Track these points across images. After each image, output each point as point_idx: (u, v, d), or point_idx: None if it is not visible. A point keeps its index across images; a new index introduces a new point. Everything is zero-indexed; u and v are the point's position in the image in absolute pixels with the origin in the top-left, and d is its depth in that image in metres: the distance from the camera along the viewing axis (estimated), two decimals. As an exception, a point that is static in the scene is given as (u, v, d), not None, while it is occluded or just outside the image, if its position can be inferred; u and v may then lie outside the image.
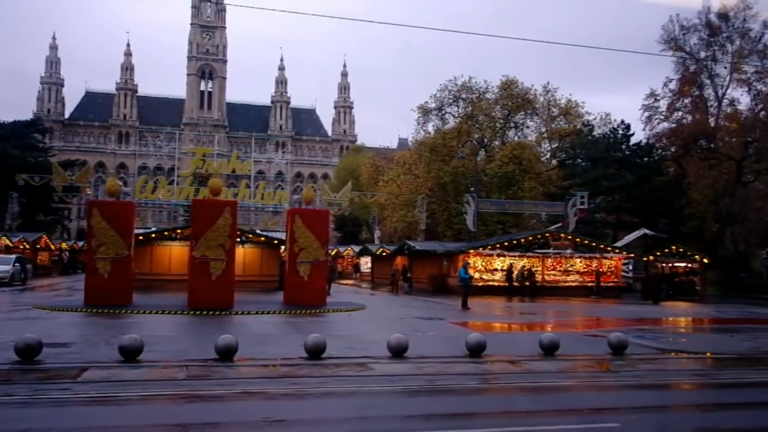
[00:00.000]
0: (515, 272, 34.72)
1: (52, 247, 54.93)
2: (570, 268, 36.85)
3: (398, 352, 12.36)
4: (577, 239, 37.77)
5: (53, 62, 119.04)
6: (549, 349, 12.98)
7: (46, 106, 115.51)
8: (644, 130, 50.47)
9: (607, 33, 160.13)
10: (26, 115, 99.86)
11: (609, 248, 38.60)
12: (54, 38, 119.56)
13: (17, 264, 36.72)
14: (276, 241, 35.84)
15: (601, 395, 10.14)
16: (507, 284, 34.43)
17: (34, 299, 25.86)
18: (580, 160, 54.11)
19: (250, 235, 37.58)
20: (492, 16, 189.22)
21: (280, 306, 23.66)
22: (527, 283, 34.09)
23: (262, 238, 37.37)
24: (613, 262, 37.76)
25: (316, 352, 11.96)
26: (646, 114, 49.66)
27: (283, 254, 30.52)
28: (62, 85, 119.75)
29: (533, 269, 35.35)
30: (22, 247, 44.05)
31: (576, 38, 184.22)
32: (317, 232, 24.51)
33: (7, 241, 41.92)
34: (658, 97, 48.93)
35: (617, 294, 36.00)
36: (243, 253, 33.84)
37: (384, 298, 33.76)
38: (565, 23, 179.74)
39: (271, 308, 22.55)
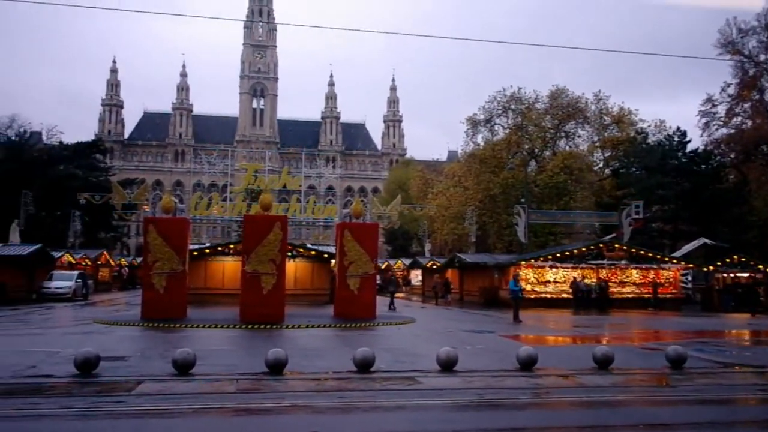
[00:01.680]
0: (588, 284, 34.03)
1: (112, 263, 56.79)
2: (626, 280, 35.89)
3: (447, 365, 12.23)
4: (633, 250, 36.80)
5: (113, 85, 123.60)
6: (603, 363, 12.64)
7: (106, 127, 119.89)
8: (701, 136, 49.06)
9: (651, 40, 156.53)
10: (88, 135, 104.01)
11: (666, 259, 37.47)
12: (114, 62, 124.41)
13: (79, 280, 38.08)
14: (326, 255, 36.11)
15: (658, 410, 9.78)
16: (573, 297, 33.72)
17: (95, 314, 26.73)
18: (634, 169, 52.84)
19: (301, 249, 37.97)
20: (538, 26, 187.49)
21: (329, 319, 23.77)
22: (602, 296, 33.40)
23: (313, 252, 37.71)
24: (671, 272, 36.59)
25: (364, 366, 11.95)
26: (704, 120, 48.26)
27: (334, 268, 30.73)
28: (122, 107, 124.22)
29: (608, 282, 34.64)
30: (84, 263, 45.66)
31: (624, 46, 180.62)
32: (367, 246, 24.60)
33: (71, 258, 43.51)
34: (715, 103, 47.50)
35: (676, 306, 34.85)
36: (294, 267, 34.25)
37: (434, 311, 33.56)
38: (614, 31, 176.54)
39: (320, 322, 22.68)
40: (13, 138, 59.29)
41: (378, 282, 35.02)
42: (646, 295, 34.87)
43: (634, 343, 19.47)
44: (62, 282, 36.77)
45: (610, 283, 35.33)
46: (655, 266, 36.32)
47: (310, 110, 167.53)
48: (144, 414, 8.88)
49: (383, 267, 56.20)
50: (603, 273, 35.76)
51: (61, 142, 64.23)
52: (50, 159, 59.44)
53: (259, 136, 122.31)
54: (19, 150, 55.87)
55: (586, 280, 34.39)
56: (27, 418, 8.48)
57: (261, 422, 8.67)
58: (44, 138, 67.82)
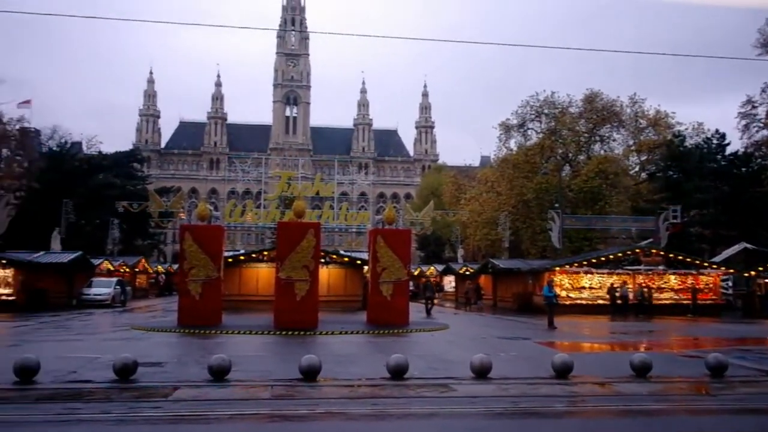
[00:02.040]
0: (629, 291, 33.52)
1: (149, 270, 57.84)
2: (663, 285, 35.19)
3: (481, 372, 12.15)
4: (671, 255, 36.09)
5: (150, 95, 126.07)
6: (641, 370, 12.40)
7: (144, 137, 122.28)
8: (741, 138, 47.80)
9: (689, 42, 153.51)
10: (126, 145, 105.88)
11: (706, 264, 36.65)
12: (151, 73, 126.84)
13: (118, 287, 38.87)
14: (359, 262, 36.20)
15: (698, 420, 9.57)
16: (611, 303, 33.24)
17: (132, 320, 27.23)
18: (671, 173, 51.89)
19: (334, 256, 38.14)
20: (573, 30, 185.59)
21: (363, 326, 23.81)
22: (646, 303, 32.85)
23: (346, 259, 37.84)
24: (710, 278, 35.77)
25: (398, 373, 11.93)
26: (743, 122, 47.04)
27: (366, 274, 30.80)
28: (158, 117, 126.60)
29: (650, 288, 34.09)
30: (122, 270, 46.63)
31: (661, 48, 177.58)
32: (399, 252, 24.60)
33: (109, 265, 44.46)
34: (755, 104, 46.29)
35: (716, 312, 34.03)
36: (327, 273, 34.40)
37: (467, 317, 33.37)
38: (650, 33, 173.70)
39: (354, 328, 22.73)
40: (55, 148, 60.92)
41: (411, 288, 35.04)
42: (685, 302, 34.13)
43: (672, 350, 19.07)
44: (101, 289, 37.57)
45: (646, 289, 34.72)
46: (693, 272, 35.55)
47: (343, 117, 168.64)
48: (181, 420, 9.01)
49: (416, 273, 56.15)
50: (640, 279, 35.13)
51: (100, 152, 65.78)
52: (90, 168, 60.93)
53: (292, 144, 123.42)
54: (61, 160, 57.39)
55: (627, 287, 33.80)
56: (68, 423, 8.68)
57: (295, 429, 8.73)
58: (84, 148, 69.50)
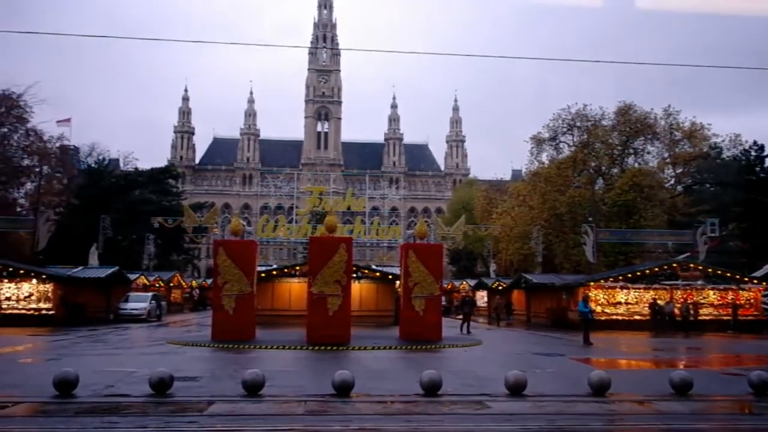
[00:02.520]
0: (673, 306, 32.84)
1: (184, 284, 58.59)
2: (702, 301, 34.38)
3: (516, 389, 11.98)
4: (709, 269, 35.28)
5: (185, 112, 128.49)
6: (681, 389, 12.08)
7: (178, 153, 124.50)
8: (781, 150, 46.76)
9: (724, 52, 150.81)
10: (161, 161, 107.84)
11: (746, 278, 35.72)
12: (186, 90, 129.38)
13: (153, 301, 39.44)
14: (391, 276, 36.14)
15: (742, 441, 9.29)
16: (652, 318, 32.59)
17: (167, 334, 27.57)
18: (708, 185, 50.86)
19: (366, 271, 38.16)
20: (606, 42, 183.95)
21: (395, 341, 23.70)
22: (691, 318, 32.14)
23: (378, 274, 37.83)
24: (751, 293, 34.84)
25: (431, 389, 11.83)
26: (783, 133, 46.03)
27: (398, 289, 30.70)
28: (193, 133, 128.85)
29: (696, 303, 33.38)
30: (157, 285, 47.31)
31: (696, 59, 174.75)
32: (431, 267, 24.49)
33: (145, 280, 45.17)
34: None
35: (758, 328, 33.10)
36: (359, 288, 34.41)
37: (500, 332, 33.03)
38: (684, 45, 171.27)
39: (386, 343, 22.65)
40: (93, 165, 62.39)
41: (444, 303, 34.73)
42: (725, 317, 33.30)
43: (713, 367, 18.58)
44: (137, 303, 38.17)
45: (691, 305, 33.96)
46: (734, 286, 34.68)
47: (373, 132, 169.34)
48: (216, 434, 9.06)
49: (448, 288, 55.80)
50: (678, 294, 34.40)
51: (136, 168, 67.13)
52: (127, 184, 62.18)
53: (323, 159, 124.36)
54: (99, 176, 58.74)
55: (674, 303, 33.03)
56: (106, 437, 8.79)
57: (329, 445, 8.69)
58: (121, 164, 71.02)
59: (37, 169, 48.07)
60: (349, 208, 34.24)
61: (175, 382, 11.93)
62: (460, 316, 33.88)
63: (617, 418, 10.67)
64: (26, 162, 49.71)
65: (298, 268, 37.28)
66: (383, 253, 77.47)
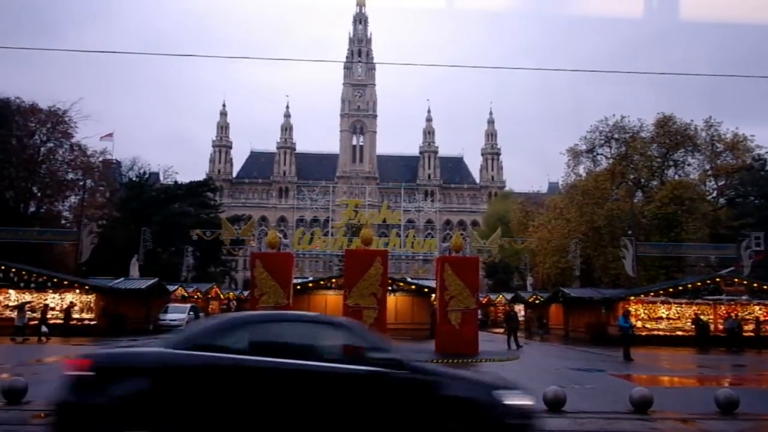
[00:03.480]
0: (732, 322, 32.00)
1: (221, 296, 59.29)
2: (747, 317, 33.43)
3: (555, 405, 11.79)
4: (754, 284, 34.30)
5: (222, 127, 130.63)
6: (726, 407, 11.73)
7: (216, 167, 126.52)
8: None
9: (760, 62, 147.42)
10: (199, 175, 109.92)
11: (793, 294, 34.62)
12: (224, 105, 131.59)
13: (191, 312, 40.00)
14: (426, 289, 36.05)
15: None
16: (696, 334, 31.80)
17: (206, 345, 27.80)
18: (752, 198, 49.59)
19: (401, 284, 38.12)
20: (643, 53, 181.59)
21: (431, 355, 23.53)
22: (736, 335, 31.20)
23: (413, 286, 37.75)
24: (798, 309, 33.76)
25: (468, 404, 11.71)
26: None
27: (434, 302, 30.59)
28: (230, 147, 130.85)
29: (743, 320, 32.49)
30: (196, 296, 47.99)
31: (736, 69, 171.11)
32: (467, 280, 24.37)
33: (183, 292, 45.88)
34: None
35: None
36: (395, 301, 34.39)
37: (538, 347, 32.58)
38: (722, 56, 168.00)
39: (423, 357, 22.31)
40: (134, 179, 63.90)
41: (480, 317, 34.41)
42: (770, 334, 32.29)
43: (761, 385, 18.03)
44: (177, 314, 38.74)
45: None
46: (780, 302, 33.65)
47: (408, 145, 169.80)
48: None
49: (484, 301, 55.38)
50: (722, 309, 33.54)
51: (176, 182, 68.47)
52: (166, 198, 63.45)
53: (359, 172, 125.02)
54: (140, 190, 60.09)
55: (737, 319, 32.15)
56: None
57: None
58: (161, 178, 72.60)
59: (81, 183, 49.41)
60: (384, 221, 34.40)
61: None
62: (501, 330, 33.43)
63: (660, 436, 10.42)
64: (70, 176, 51.15)
65: (333, 280, 37.45)
66: (419, 266, 77.19)
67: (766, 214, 44.63)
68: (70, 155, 50.06)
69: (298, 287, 33.86)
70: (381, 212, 32.26)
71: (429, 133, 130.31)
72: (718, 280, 34.90)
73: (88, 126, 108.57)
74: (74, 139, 49.47)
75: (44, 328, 29.33)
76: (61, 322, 31.73)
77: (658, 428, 10.89)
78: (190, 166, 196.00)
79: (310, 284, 38.73)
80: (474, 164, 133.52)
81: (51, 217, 51.48)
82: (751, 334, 31.83)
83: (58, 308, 33.27)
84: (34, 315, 31.11)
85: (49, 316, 31.28)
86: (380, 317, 22.77)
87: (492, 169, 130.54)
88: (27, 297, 33.08)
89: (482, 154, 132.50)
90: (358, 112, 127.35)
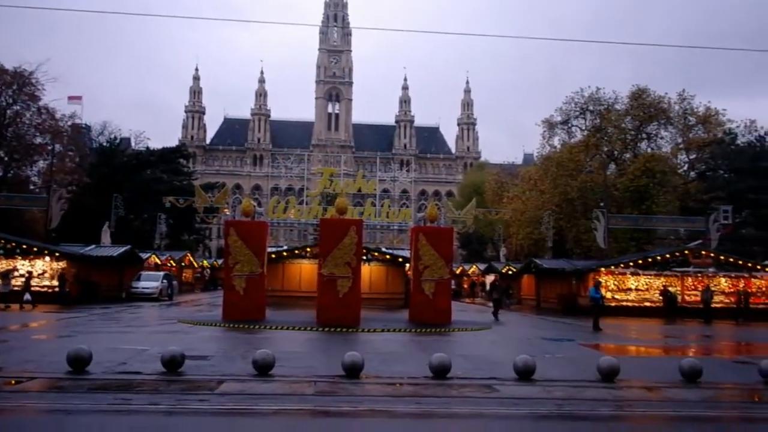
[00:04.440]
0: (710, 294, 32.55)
1: (195, 264, 58.97)
2: (713, 288, 34.21)
3: (525, 374, 12.01)
4: (721, 257, 35.07)
5: (195, 92, 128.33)
6: (690, 376, 12.06)
7: (189, 133, 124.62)
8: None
9: (742, 34, 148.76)
10: (171, 142, 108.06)
11: (759, 266, 35.49)
12: (196, 70, 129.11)
13: (165, 281, 39.74)
14: (401, 259, 36.21)
15: (751, 428, 9.28)
16: (664, 305, 32.46)
17: (179, 314, 27.81)
18: (721, 172, 50.42)
19: (376, 253, 38.24)
20: (621, 24, 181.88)
21: (405, 324, 23.79)
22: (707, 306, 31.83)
23: (388, 256, 37.89)
24: (763, 281, 34.64)
25: (441, 372, 11.89)
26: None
27: (408, 272, 30.74)
28: (204, 113, 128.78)
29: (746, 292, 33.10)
30: (169, 264, 47.63)
31: (713, 42, 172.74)
32: (441, 250, 24.50)
33: (156, 260, 45.49)
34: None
35: (769, 317, 32.90)
36: (369, 270, 34.50)
37: (509, 317, 33.01)
38: (700, 27, 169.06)
39: (396, 326, 22.74)
40: (105, 144, 62.65)
41: (453, 287, 34.68)
42: (736, 305, 33.11)
43: (723, 355, 18.55)
44: (149, 282, 38.48)
45: (695, 292, 33.77)
46: (745, 274, 34.48)
47: (384, 114, 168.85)
48: (226, 413, 9.17)
49: (458, 271, 55.85)
50: (689, 281, 34.28)
51: (147, 148, 67.30)
52: (138, 164, 62.40)
53: (334, 141, 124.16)
54: (110, 155, 58.97)
55: (713, 290, 32.75)
56: (119, 413, 8.91)
57: (339, 425, 8.78)
58: (132, 143, 71.27)
59: (50, 147, 48.29)
60: (359, 190, 34.20)
61: (186, 360, 12.06)
62: (469, 300, 33.83)
63: (626, 404, 10.68)
64: (38, 140, 49.91)
65: (308, 249, 37.43)
66: (393, 235, 77.40)
67: (735, 188, 45.47)
68: (38, 118, 48.75)
69: (273, 256, 33.77)
70: (356, 181, 32.05)
71: (405, 102, 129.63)
72: (686, 252, 35.60)
73: (56, 89, 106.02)
74: (42, 102, 48.18)
75: (27, 296, 28.87)
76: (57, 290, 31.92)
77: (624, 396, 11.17)
78: (162, 132, 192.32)
79: (285, 253, 38.68)
80: (450, 134, 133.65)
81: (19, 182, 50.35)
82: (734, 305, 32.59)
83: (47, 275, 32.76)
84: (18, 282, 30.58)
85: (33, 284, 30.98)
86: (354, 286, 22.83)
87: (468, 140, 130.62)
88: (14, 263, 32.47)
89: (458, 124, 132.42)
90: (334, 79, 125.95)
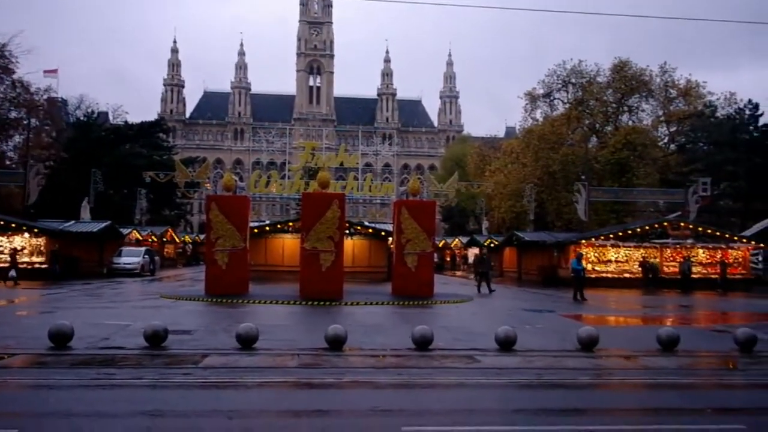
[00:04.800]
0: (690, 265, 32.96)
1: (177, 239, 58.66)
2: (692, 259, 34.77)
3: (506, 344, 12.18)
4: (699, 228, 35.58)
5: (174, 65, 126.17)
6: (667, 345, 12.32)
7: (168, 107, 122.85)
8: (775, 109, 46.57)
9: (723, 6, 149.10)
10: (150, 115, 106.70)
11: (736, 238, 36.09)
12: (175, 42, 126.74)
13: (146, 256, 39.50)
14: (383, 233, 36.30)
15: (726, 394, 9.52)
16: (643, 276, 32.96)
17: (161, 289, 27.72)
18: (701, 144, 50.86)
19: (359, 227, 38.28)
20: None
21: (387, 297, 23.95)
22: (686, 277, 32.23)
23: (370, 230, 37.96)
24: (740, 252, 35.27)
25: (423, 344, 12.02)
26: (777, 92, 45.78)
27: (391, 245, 30.84)
28: (183, 87, 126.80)
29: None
30: (150, 240, 47.32)
31: (694, 12, 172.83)
32: (424, 224, 24.57)
33: (138, 235, 45.17)
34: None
35: (746, 287, 33.57)
36: (352, 244, 34.57)
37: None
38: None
39: (379, 299, 22.88)
40: (82, 118, 61.61)
41: (436, 260, 34.80)
42: (713, 276, 33.74)
43: (700, 324, 18.93)
44: (131, 258, 38.22)
45: (674, 263, 34.30)
46: (723, 246, 35.05)
47: (366, 87, 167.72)
48: (211, 386, 9.21)
49: (440, 245, 56.09)
50: (667, 252, 34.79)
51: (126, 122, 66.30)
52: (117, 138, 61.49)
53: (316, 114, 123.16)
54: (88, 129, 58.02)
55: (691, 260, 33.26)
56: (102, 387, 8.92)
57: (322, 396, 8.86)
58: (110, 118, 70.12)
59: (25, 122, 47.34)
60: (341, 164, 34.08)
61: (169, 335, 12.06)
62: (451, 273, 33.98)
63: (604, 372, 10.90)
64: (13, 114, 48.89)
65: (291, 224, 37.35)
66: (376, 209, 77.22)
67: (713, 160, 45.92)
68: (12, 92, 47.67)
69: (255, 230, 33.68)
70: (338, 155, 31.88)
71: (387, 74, 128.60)
72: (665, 224, 36.08)
73: (31, 62, 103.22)
74: (16, 75, 47.08)
75: (12, 272, 28.58)
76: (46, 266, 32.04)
77: (603, 365, 11.39)
78: (140, 106, 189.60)
79: (267, 227, 38.57)
80: (432, 107, 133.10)
81: (-6, 157, 49.53)
82: (713, 276, 33.16)
83: (6, 252, 32.35)
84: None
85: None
86: (337, 260, 22.86)
87: (450, 113, 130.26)
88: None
89: (440, 97, 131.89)
90: (315, 51, 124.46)
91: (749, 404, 8.90)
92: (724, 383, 10.44)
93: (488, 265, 30.52)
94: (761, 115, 48.14)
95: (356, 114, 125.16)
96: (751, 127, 47.96)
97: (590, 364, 11.28)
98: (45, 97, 50.89)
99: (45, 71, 55.68)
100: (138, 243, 43.95)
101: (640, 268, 33.76)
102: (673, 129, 53.47)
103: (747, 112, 48.50)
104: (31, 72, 73.23)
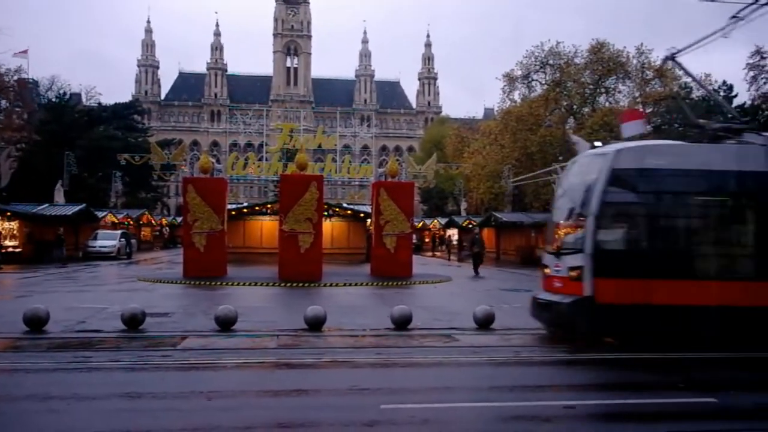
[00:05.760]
0: None
1: (154, 222, 58.09)
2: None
3: (484, 323, 12.32)
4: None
5: (148, 45, 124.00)
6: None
7: (143, 88, 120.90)
8: (749, 91, 47.08)
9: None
10: (124, 97, 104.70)
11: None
12: (148, 22, 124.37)
13: (123, 239, 39.07)
14: (362, 215, 36.31)
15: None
16: None
17: (138, 272, 27.50)
18: (676, 126, 51.30)
19: (337, 209, 38.24)
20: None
21: (366, 278, 24.04)
22: None
23: (349, 212, 37.95)
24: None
25: (402, 323, 12.10)
26: (751, 73, 46.29)
27: (370, 227, 30.88)
28: (158, 67, 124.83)
29: None
30: (126, 223, 46.79)
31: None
32: (402, 205, 24.65)
33: (113, 218, 44.62)
34: (764, 55, 45.49)
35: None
36: (330, 226, 34.51)
37: (470, 269, 33.55)
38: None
39: (358, 280, 22.95)
40: (54, 100, 60.42)
41: (414, 241, 34.91)
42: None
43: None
44: (107, 241, 37.77)
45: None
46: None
47: (344, 68, 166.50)
48: (190, 367, 9.21)
49: (419, 226, 56.24)
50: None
51: (100, 104, 65.29)
52: (90, 120, 60.50)
53: (293, 95, 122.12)
54: (61, 111, 56.91)
55: None
56: (79, 370, 8.86)
57: (302, 376, 8.90)
58: (84, 99, 68.89)
59: (-5, 103, 46.43)
60: (320, 146, 33.94)
61: (147, 318, 12.01)
62: (438, 254, 34.09)
63: (580, 348, 11.05)
64: (-18, 96, 47.89)
65: (269, 206, 37.16)
66: (355, 191, 77.31)
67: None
68: (-19, 73, 46.61)
69: (233, 213, 33.48)
70: (316, 137, 31.73)
71: (365, 56, 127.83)
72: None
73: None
74: (-16, 55, 46.03)
75: None
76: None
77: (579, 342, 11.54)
78: (114, 88, 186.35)
79: (245, 210, 38.36)
80: (411, 89, 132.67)
81: (-36, 140, 48.43)
82: None
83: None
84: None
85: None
86: (316, 242, 22.84)
87: (429, 94, 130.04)
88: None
89: (419, 79, 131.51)
90: (292, 32, 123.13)
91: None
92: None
93: (482, 244, 29.87)
94: (735, 96, 48.74)
95: (334, 95, 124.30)
96: (725, 109, 48.44)
97: (565, 341, 11.43)
98: (15, 78, 49.76)
99: (15, 53, 54.34)
100: (114, 226, 43.44)
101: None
102: (649, 110, 53.87)
103: (721, 93, 49.01)
104: (1, 52, 71.49)
